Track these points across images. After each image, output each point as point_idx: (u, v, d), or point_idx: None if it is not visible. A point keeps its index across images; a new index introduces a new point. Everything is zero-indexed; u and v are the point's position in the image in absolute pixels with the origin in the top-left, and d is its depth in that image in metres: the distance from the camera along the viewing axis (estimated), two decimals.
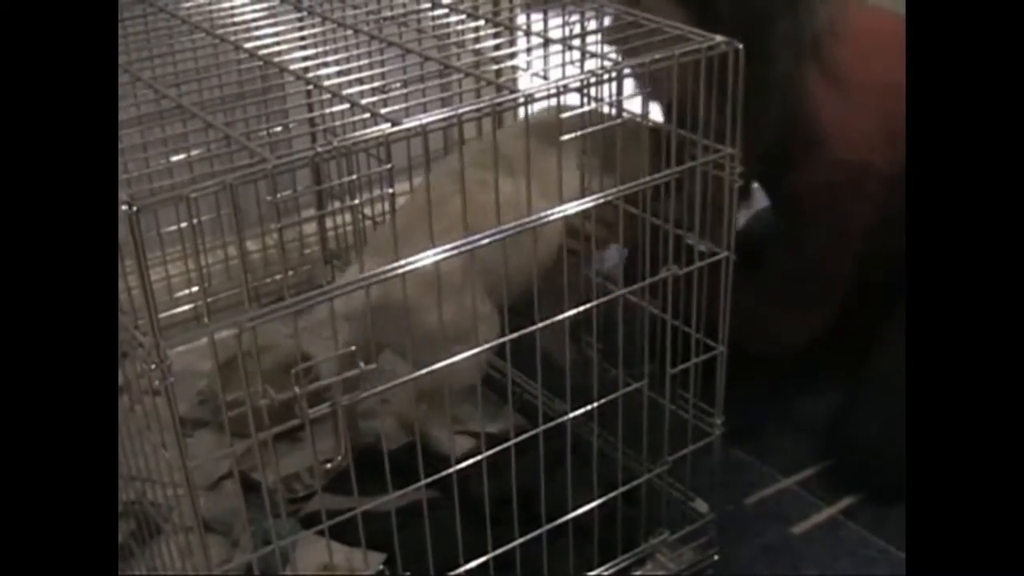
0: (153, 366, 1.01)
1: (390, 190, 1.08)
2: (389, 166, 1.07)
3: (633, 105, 1.23)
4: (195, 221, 0.94)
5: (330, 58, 1.26)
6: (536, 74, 1.22)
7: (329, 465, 1.56)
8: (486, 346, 1.25)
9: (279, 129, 1.25)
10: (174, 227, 1.81)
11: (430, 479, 1.21)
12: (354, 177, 1.08)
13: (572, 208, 1.20)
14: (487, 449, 1.26)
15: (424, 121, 1.06)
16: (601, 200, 1.21)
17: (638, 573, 1.47)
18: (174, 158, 1.18)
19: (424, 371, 1.16)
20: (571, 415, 1.31)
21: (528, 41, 1.30)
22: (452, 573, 1.29)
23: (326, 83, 1.18)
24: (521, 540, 1.31)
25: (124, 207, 0.95)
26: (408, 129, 1.06)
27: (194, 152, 1.15)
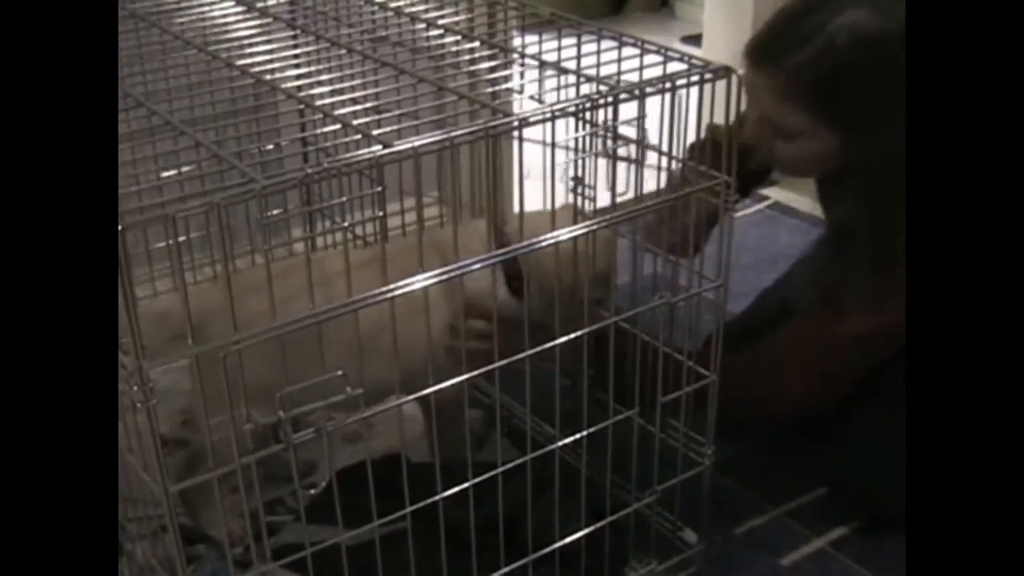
0: (136, 387, 0.99)
1: (380, 212, 1.06)
2: (380, 188, 1.06)
3: (628, 130, 1.22)
4: (182, 239, 0.92)
5: (323, 77, 1.24)
6: (532, 97, 1.21)
7: (313, 491, 1.54)
8: None
9: (271, 147, 1.23)
10: (163, 244, 1.79)
11: (415, 506, 1.19)
12: (345, 199, 1.07)
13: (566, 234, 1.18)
14: (474, 476, 1.24)
15: (416, 144, 1.05)
16: (595, 227, 1.19)
17: None
18: (164, 174, 1.16)
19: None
20: (560, 443, 1.29)
21: (523, 64, 1.29)
22: None
23: (318, 103, 1.17)
24: (506, 569, 1.29)
25: None
26: (400, 152, 1.05)
27: (184, 169, 1.14)
